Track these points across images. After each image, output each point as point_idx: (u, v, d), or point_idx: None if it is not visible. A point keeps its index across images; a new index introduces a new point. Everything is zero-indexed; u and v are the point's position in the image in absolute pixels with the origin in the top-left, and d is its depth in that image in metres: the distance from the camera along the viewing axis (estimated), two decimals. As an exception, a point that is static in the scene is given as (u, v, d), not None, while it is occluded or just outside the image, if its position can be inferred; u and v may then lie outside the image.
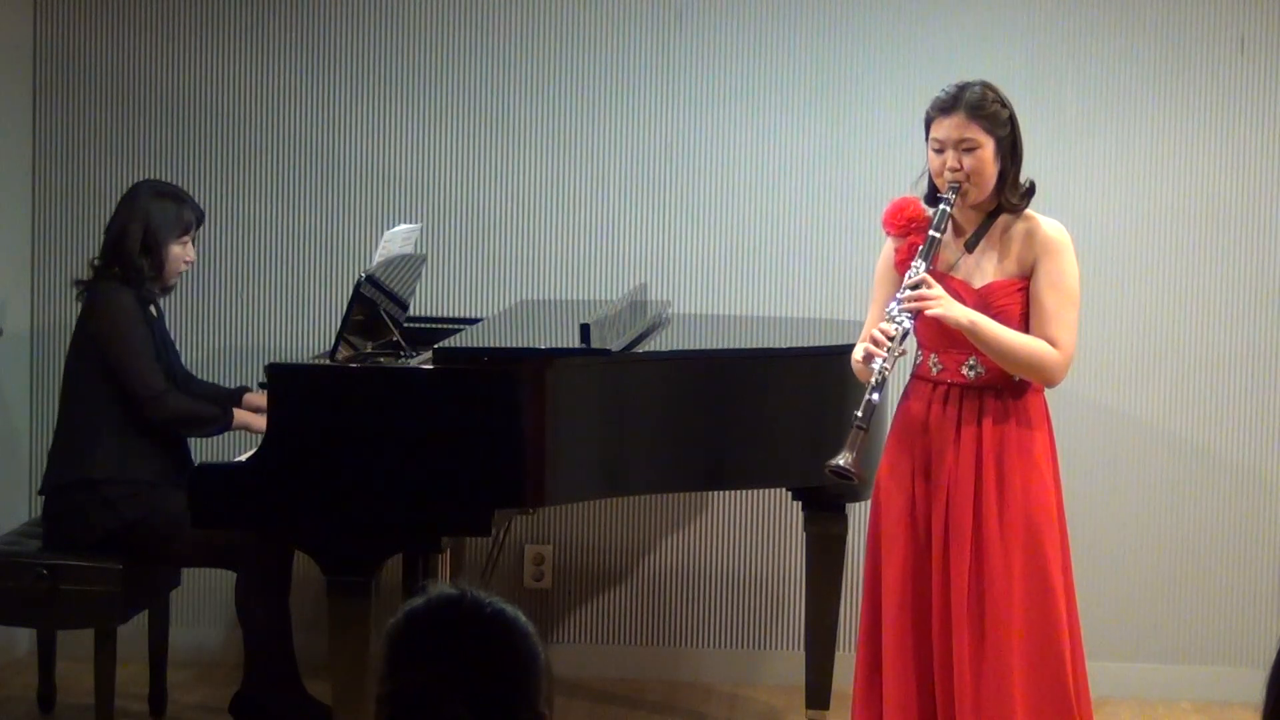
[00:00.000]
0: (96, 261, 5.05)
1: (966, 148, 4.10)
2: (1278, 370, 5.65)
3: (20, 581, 4.85)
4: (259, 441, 4.51)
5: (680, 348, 4.89)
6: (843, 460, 3.95)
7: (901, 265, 4.17)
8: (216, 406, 5.06)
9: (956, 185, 4.09)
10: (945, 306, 4.02)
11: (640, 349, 4.69)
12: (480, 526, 4.37)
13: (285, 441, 4.36)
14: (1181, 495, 5.66)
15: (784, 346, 5.14)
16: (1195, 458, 5.67)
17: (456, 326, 5.12)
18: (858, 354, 4.16)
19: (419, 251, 5.29)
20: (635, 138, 5.70)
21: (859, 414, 3.97)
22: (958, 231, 4.19)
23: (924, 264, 4.07)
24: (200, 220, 5.13)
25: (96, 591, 4.83)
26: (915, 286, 4.03)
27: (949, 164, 4.10)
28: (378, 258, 4.86)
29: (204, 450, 5.37)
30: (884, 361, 3.98)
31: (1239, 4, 5.58)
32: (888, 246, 4.28)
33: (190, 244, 5.08)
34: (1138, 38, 5.59)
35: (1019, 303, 4.12)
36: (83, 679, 5.10)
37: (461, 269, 5.74)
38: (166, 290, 5.13)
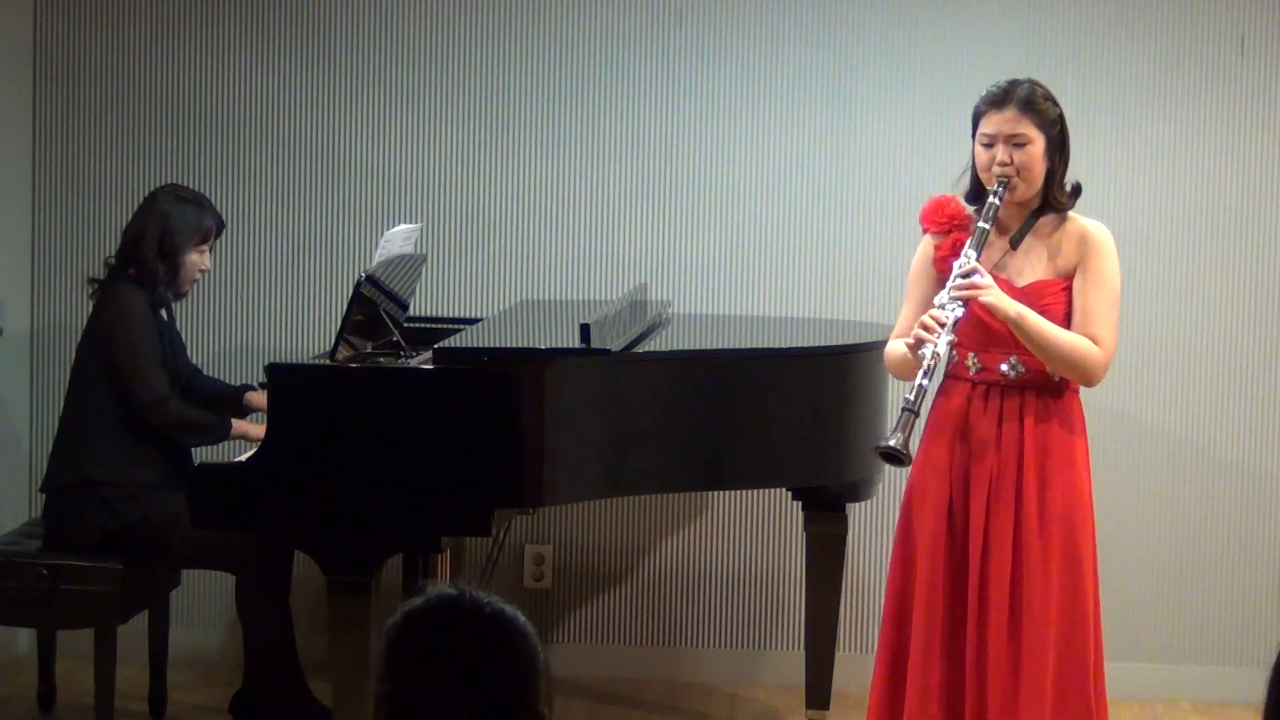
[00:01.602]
0: (112, 260, 5.05)
1: (1017, 143, 4.11)
2: (1278, 370, 5.65)
3: (20, 581, 4.85)
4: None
5: (680, 348, 4.89)
6: (894, 441, 3.94)
7: (943, 262, 4.17)
8: (215, 416, 5.05)
9: (1005, 180, 4.09)
10: (996, 296, 4.03)
11: (640, 349, 4.69)
12: (480, 526, 4.37)
13: (285, 441, 4.36)
14: (1181, 495, 5.66)
15: (784, 346, 5.14)
16: (1195, 457, 5.67)
17: (456, 326, 5.11)
18: (894, 346, 4.17)
19: (419, 251, 5.29)
20: (635, 138, 5.70)
21: (910, 397, 3.97)
22: (1001, 230, 4.18)
23: (975, 253, 4.06)
24: (220, 229, 5.12)
25: (96, 591, 4.83)
26: (966, 275, 4.03)
27: (999, 158, 4.10)
28: (378, 258, 4.86)
29: (204, 450, 5.37)
30: (935, 347, 3.98)
31: (1239, 4, 5.58)
32: (925, 244, 4.27)
33: (208, 252, 5.07)
34: (1138, 38, 5.59)
35: (1063, 302, 4.14)
36: (83, 679, 5.10)
37: (461, 269, 5.74)
38: (180, 296, 5.13)
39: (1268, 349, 5.64)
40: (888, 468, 5.14)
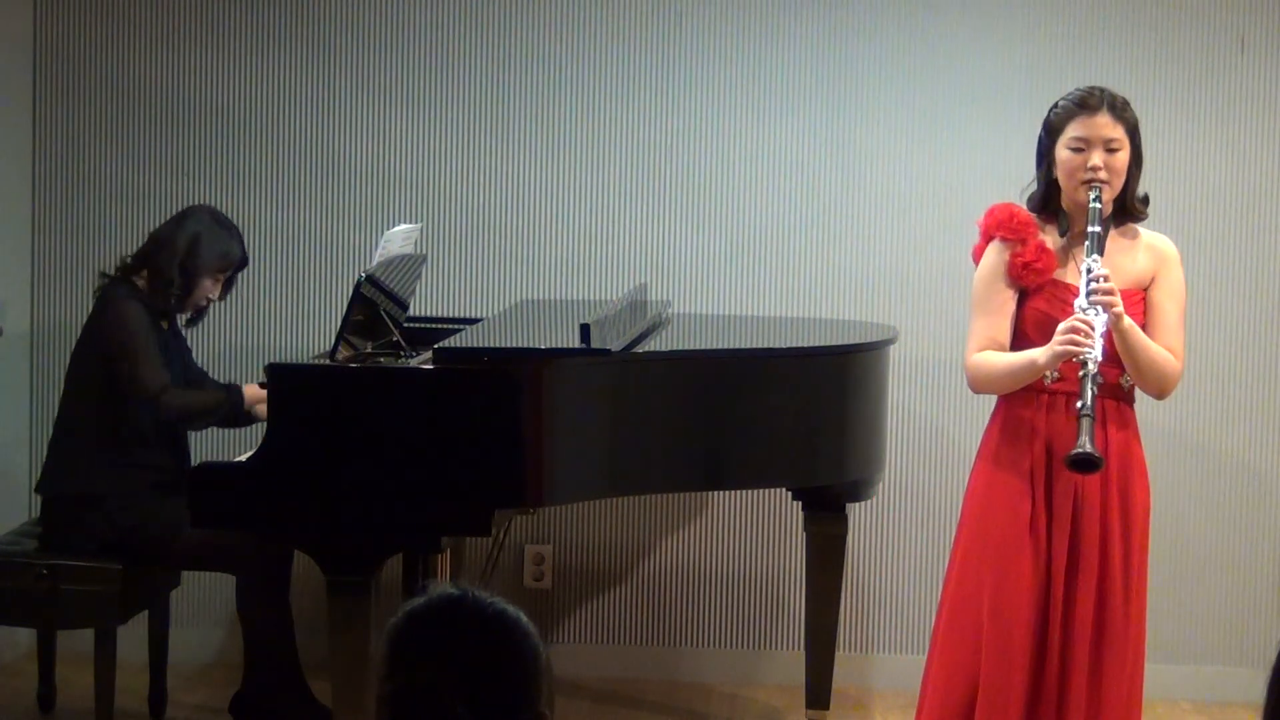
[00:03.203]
0: (129, 259, 5.02)
1: (1111, 148, 4.08)
2: (1278, 370, 5.65)
3: (20, 581, 4.85)
4: (259, 442, 4.50)
5: (680, 348, 4.89)
6: (1087, 448, 3.87)
7: (1025, 268, 4.10)
8: (221, 391, 5.04)
9: (1099, 186, 4.05)
10: (1121, 307, 4.01)
11: (640, 349, 4.68)
12: (480, 526, 4.37)
13: (285, 441, 4.36)
14: (1181, 495, 5.66)
15: (784, 346, 5.14)
16: (1195, 457, 5.67)
17: (456, 326, 5.11)
18: (991, 359, 4.12)
19: (419, 251, 5.29)
20: (635, 138, 5.70)
21: (1088, 403, 3.89)
22: (1073, 236, 4.15)
23: (1099, 258, 4.01)
24: (243, 263, 5.09)
25: (96, 591, 4.82)
26: (1096, 280, 3.98)
27: (1092, 162, 4.06)
28: (378, 258, 4.85)
29: (204, 449, 5.37)
30: (1094, 352, 3.93)
31: (1239, 4, 5.58)
32: (995, 252, 4.17)
33: (220, 284, 5.05)
34: (1138, 38, 5.59)
35: (1141, 312, 4.12)
36: (83, 679, 5.10)
37: (461, 269, 5.74)
38: (194, 320, 5.11)
39: (1268, 348, 5.65)
40: (887, 468, 5.18)
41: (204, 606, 5.72)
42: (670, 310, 5.41)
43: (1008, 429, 4.15)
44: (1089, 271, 4.00)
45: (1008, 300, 4.15)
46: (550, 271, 5.72)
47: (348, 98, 5.72)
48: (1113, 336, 4.03)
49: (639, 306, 5.11)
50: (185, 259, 4.96)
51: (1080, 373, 3.95)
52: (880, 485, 5.27)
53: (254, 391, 5.01)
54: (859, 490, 5.11)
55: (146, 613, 5.15)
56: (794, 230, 5.69)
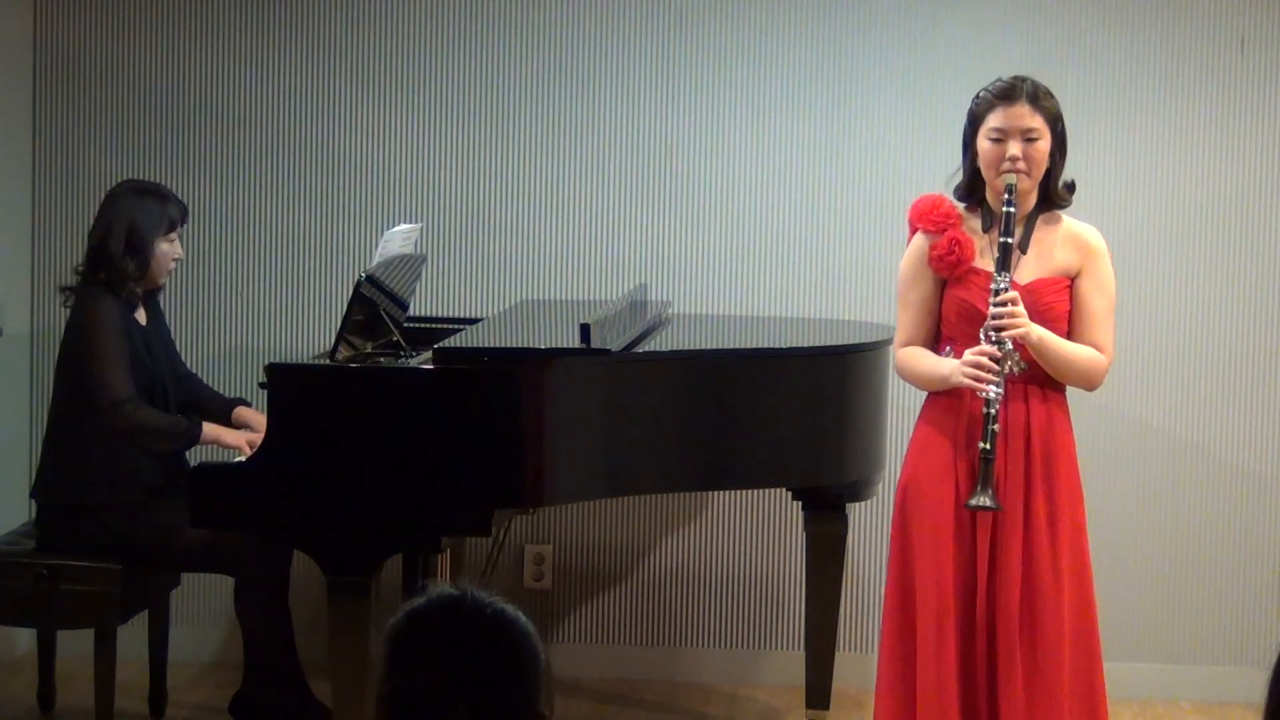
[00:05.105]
0: (81, 268, 4.98)
1: (1030, 138, 4.10)
2: (1278, 370, 5.65)
3: (20, 581, 4.85)
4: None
5: (680, 348, 4.89)
6: (987, 500, 3.97)
7: (939, 261, 4.16)
8: (185, 420, 4.94)
9: (1013, 185, 4.07)
10: (1029, 327, 4.04)
11: (640, 349, 4.68)
12: (480, 526, 4.37)
13: (285, 441, 4.36)
14: (1181, 495, 5.66)
15: (784, 346, 5.14)
16: (1195, 457, 5.67)
17: (456, 326, 5.11)
18: (913, 358, 4.18)
19: (419, 251, 5.29)
20: (635, 138, 5.70)
21: (987, 446, 3.97)
22: (992, 226, 4.17)
23: (1008, 275, 4.04)
24: (184, 216, 5.05)
25: (96, 591, 4.82)
26: (1003, 304, 4.03)
27: (1010, 153, 4.08)
28: (378, 258, 4.85)
29: (205, 451, 5.36)
30: (998, 389, 4.00)
31: (1239, 4, 5.58)
32: (918, 244, 4.24)
33: (177, 241, 5.02)
34: (1138, 37, 5.59)
35: (1066, 301, 4.16)
36: (83, 679, 5.10)
37: (461, 269, 5.74)
38: (156, 290, 5.08)
39: (1268, 349, 5.64)
40: (887, 468, 5.18)
41: (204, 606, 5.72)
42: (670, 310, 5.41)
43: (934, 414, 4.21)
44: (996, 294, 4.04)
45: (929, 293, 4.21)
46: (550, 271, 5.72)
47: (348, 97, 5.72)
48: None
49: (639, 306, 5.11)
50: (129, 244, 4.90)
51: (984, 408, 4.00)
52: (880, 485, 5.27)
53: (214, 430, 4.94)
54: (859, 490, 5.11)
55: (146, 613, 5.15)
56: (794, 230, 5.69)
